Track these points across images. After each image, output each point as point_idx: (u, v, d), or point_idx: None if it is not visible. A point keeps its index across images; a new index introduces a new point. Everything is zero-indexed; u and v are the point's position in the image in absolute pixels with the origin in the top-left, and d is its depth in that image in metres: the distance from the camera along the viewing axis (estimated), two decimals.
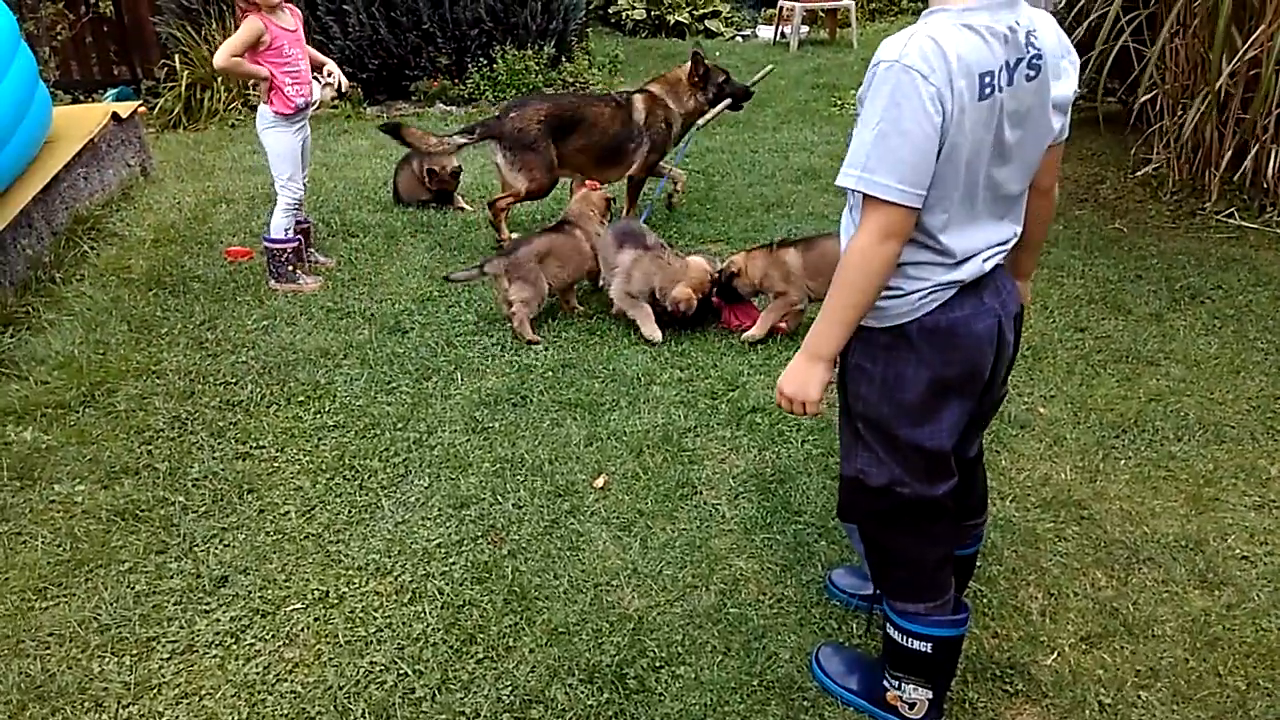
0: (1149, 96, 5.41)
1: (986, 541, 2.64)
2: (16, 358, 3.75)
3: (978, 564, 2.43)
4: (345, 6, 7.42)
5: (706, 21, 11.19)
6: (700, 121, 5.09)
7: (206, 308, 4.22)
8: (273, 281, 4.42)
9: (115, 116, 5.71)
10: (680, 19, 11.07)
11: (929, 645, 2.02)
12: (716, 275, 3.93)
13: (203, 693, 2.28)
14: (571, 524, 2.84)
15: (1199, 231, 4.99)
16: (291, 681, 2.30)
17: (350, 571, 2.66)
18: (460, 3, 7.58)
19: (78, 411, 3.43)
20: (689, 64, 4.97)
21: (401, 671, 2.32)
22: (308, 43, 4.36)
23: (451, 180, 5.39)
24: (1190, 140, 5.27)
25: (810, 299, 3.81)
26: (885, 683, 2.13)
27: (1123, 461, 3.11)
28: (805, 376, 1.83)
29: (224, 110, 7.40)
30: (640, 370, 3.67)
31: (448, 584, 2.60)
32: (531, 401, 3.49)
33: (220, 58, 4.08)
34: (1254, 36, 4.77)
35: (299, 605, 2.54)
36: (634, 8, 11.16)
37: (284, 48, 4.15)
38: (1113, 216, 5.25)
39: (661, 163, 5.09)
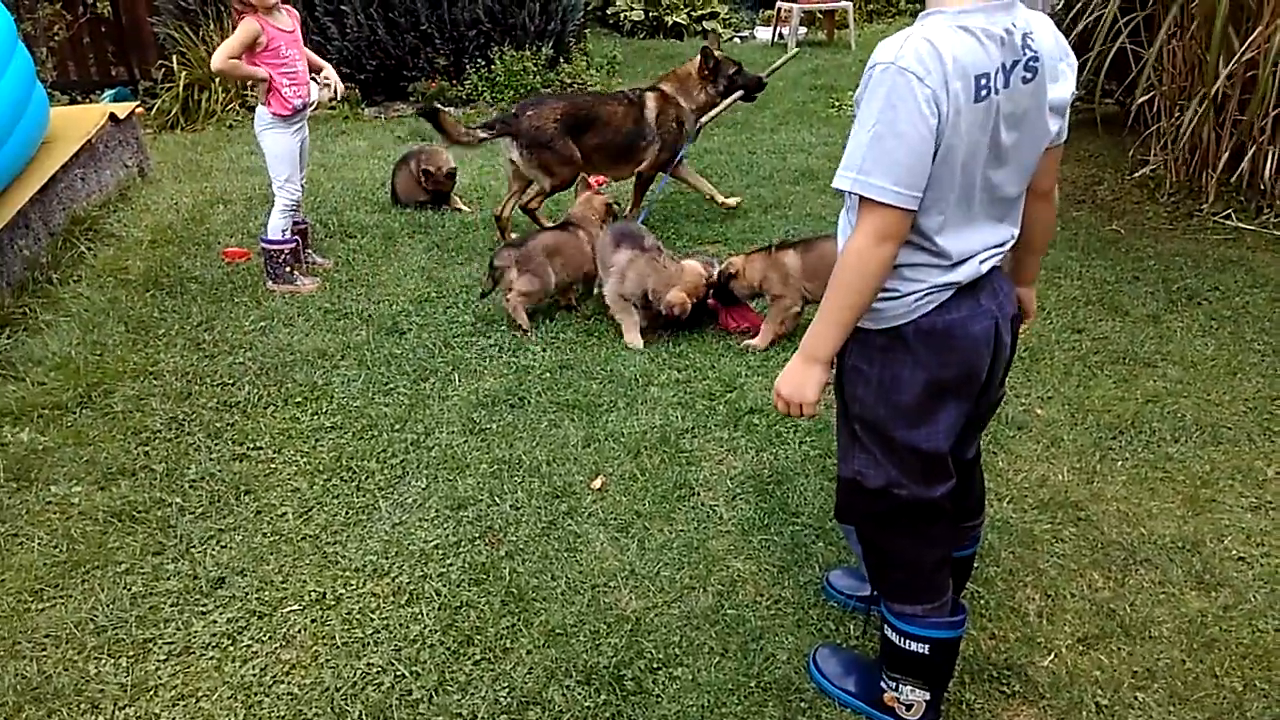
0: (1146, 98, 5.41)
1: (984, 543, 2.64)
2: (13, 359, 3.75)
3: (975, 565, 2.42)
4: (343, 7, 7.42)
5: (704, 22, 11.20)
6: (709, 115, 5.08)
7: (204, 309, 4.21)
8: (270, 282, 4.42)
9: (113, 117, 5.71)
10: (678, 20, 11.08)
11: (926, 647, 2.02)
12: (713, 278, 3.93)
13: (199, 694, 2.28)
14: (569, 525, 2.83)
15: (1196, 233, 5.00)
16: (288, 683, 2.30)
17: (347, 573, 2.66)
18: (458, 4, 7.58)
19: (75, 412, 3.43)
20: (698, 58, 4.98)
21: (398, 673, 2.32)
22: (305, 44, 4.36)
23: (447, 181, 5.38)
24: (1188, 142, 5.27)
25: (808, 301, 3.81)
26: (882, 684, 2.13)
27: (1120, 463, 3.12)
28: (802, 378, 1.83)
29: (221, 111, 7.41)
30: (638, 371, 3.67)
31: (445, 585, 2.60)
32: (529, 403, 3.48)
33: (217, 60, 4.08)
34: (1251, 38, 4.78)
35: (296, 607, 2.54)
36: (632, 9, 11.17)
37: (281, 49, 4.15)
38: (1110, 218, 5.25)
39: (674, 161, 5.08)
